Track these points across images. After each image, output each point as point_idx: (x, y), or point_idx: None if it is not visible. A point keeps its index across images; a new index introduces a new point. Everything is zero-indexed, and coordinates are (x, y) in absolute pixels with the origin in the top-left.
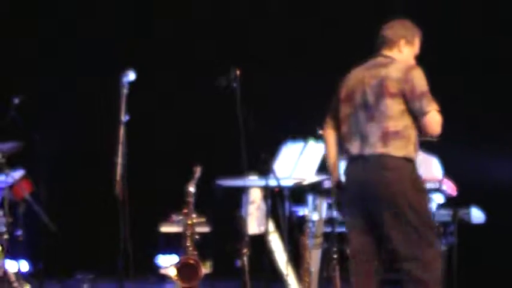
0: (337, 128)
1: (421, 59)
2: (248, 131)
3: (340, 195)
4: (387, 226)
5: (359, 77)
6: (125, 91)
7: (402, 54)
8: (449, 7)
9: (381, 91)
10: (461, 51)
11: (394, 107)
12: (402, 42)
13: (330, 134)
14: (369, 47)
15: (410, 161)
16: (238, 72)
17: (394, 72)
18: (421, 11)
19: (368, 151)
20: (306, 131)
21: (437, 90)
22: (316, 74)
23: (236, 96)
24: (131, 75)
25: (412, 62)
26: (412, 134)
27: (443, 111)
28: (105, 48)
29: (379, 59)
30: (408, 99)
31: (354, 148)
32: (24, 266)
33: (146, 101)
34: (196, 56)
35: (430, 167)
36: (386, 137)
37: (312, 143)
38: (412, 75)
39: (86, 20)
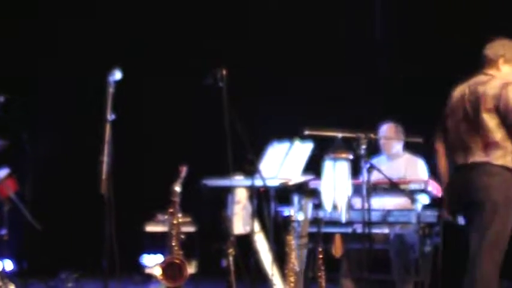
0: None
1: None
2: (234, 130)
3: (450, 202)
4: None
5: (461, 93)
6: (111, 90)
7: (501, 72)
8: None
9: (479, 107)
10: None
11: (490, 120)
12: (501, 61)
13: (440, 146)
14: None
15: (508, 170)
16: (224, 72)
17: (491, 89)
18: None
19: (471, 160)
20: (292, 131)
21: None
22: (303, 75)
23: (223, 95)
24: (117, 75)
25: (510, 78)
26: (509, 145)
27: (432, 112)
28: (92, 48)
29: (480, 77)
30: (502, 114)
31: (459, 158)
32: (8, 265)
33: (132, 100)
34: (184, 56)
35: (415, 168)
36: (486, 147)
37: (298, 144)
38: (506, 91)
39: (76, 20)
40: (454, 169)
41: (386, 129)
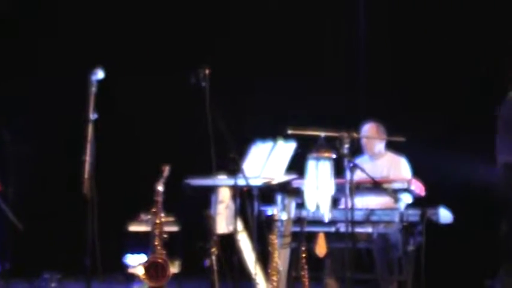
0: None
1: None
2: (217, 130)
3: None
4: None
5: None
6: (94, 89)
7: None
8: None
9: None
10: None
11: None
12: None
13: None
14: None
15: None
16: (207, 71)
17: None
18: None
19: None
20: (276, 130)
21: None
22: (285, 75)
23: (205, 95)
24: (100, 74)
25: None
26: None
27: (414, 111)
28: (75, 47)
29: None
30: None
31: None
32: None
33: (115, 99)
34: (166, 55)
35: (398, 167)
36: None
37: (281, 143)
38: None
39: (57, 20)
40: None
41: (368, 129)
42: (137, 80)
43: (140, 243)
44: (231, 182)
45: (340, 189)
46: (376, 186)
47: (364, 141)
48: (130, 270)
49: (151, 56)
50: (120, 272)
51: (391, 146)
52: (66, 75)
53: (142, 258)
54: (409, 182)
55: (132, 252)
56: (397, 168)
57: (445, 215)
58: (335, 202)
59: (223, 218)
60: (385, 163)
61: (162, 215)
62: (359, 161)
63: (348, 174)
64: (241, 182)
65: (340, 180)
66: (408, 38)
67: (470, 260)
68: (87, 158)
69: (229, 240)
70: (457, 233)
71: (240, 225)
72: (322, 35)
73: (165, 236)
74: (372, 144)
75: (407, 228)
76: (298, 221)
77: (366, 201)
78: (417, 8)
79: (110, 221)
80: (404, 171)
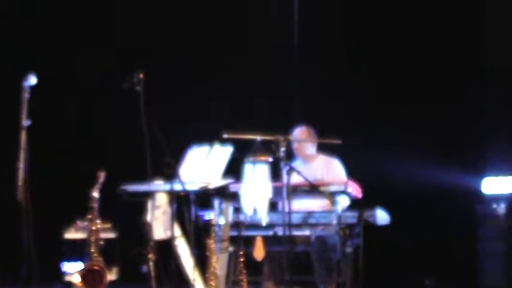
0: None
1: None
2: (153, 135)
3: None
4: None
5: None
6: (26, 95)
7: None
8: None
9: None
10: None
11: None
12: None
13: None
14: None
15: None
16: (141, 76)
17: None
18: None
19: None
20: (212, 134)
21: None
22: (222, 79)
23: (140, 99)
24: (32, 79)
25: None
26: None
27: (349, 113)
28: (6, 52)
29: None
30: None
31: None
32: None
33: (49, 105)
34: (100, 59)
35: (332, 169)
36: None
37: (217, 147)
38: None
39: None
40: None
41: (299, 133)
42: (71, 85)
43: (77, 250)
44: (168, 187)
45: (277, 192)
46: (313, 189)
47: (295, 145)
48: (67, 278)
49: (85, 60)
50: (56, 280)
51: (327, 149)
52: None
53: (79, 265)
54: (346, 184)
55: (69, 260)
56: (330, 169)
57: (382, 216)
58: (273, 206)
59: (160, 224)
60: (319, 165)
61: (98, 221)
62: (293, 165)
63: (284, 177)
64: (177, 187)
65: (277, 184)
66: (342, 39)
67: (409, 260)
68: (21, 165)
69: (166, 245)
70: (395, 233)
71: (177, 231)
72: (256, 38)
73: (101, 242)
74: (303, 147)
75: (345, 230)
76: (236, 225)
77: (304, 204)
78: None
79: (46, 229)
80: (338, 172)
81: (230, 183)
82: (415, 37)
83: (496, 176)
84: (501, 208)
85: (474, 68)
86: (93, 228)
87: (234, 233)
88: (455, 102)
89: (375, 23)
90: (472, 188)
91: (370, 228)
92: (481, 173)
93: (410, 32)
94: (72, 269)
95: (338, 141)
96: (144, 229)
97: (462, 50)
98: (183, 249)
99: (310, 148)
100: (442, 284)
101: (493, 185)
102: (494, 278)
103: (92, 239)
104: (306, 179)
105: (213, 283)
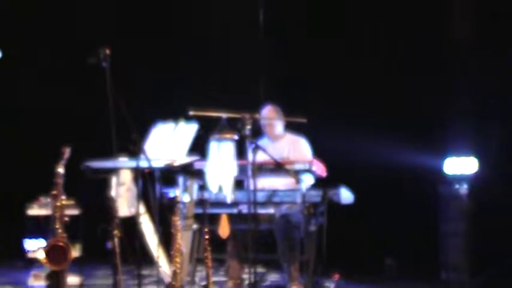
0: None
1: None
2: (118, 111)
3: None
4: None
5: None
6: None
7: None
8: None
9: None
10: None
11: None
12: None
13: None
14: None
15: None
16: (108, 51)
17: None
18: None
19: None
20: (177, 111)
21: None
22: (190, 55)
23: (106, 75)
24: None
25: None
26: None
27: (313, 91)
28: None
29: None
30: None
31: None
32: None
33: (15, 79)
34: (68, 34)
35: (299, 148)
36: None
37: (182, 124)
38: None
39: None
40: None
41: (268, 112)
42: (37, 59)
43: (40, 227)
44: (133, 164)
45: (242, 170)
46: (278, 167)
47: (264, 123)
48: (30, 255)
49: (52, 34)
50: (19, 257)
51: (293, 128)
52: None
53: (42, 242)
54: (310, 163)
55: (31, 237)
56: (297, 148)
57: (346, 195)
58: (238, 184)
59: (125, 201)
60: (285, 144)
61: (63, 197)
62: (259, 143)
63: (250, 155)
64: (142, 164)
65: (243, 162)
66: (307, 19)
67: (371, 239)
68: None
69: (131, 222)
70: (358, 213)
71: (142, 208)
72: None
73: (65, 219)
74: (272, 126)
75: (309, 209)
76: (201, 202)
77: (269, 183)
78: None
79: (8, 205)
80: (304, 151)
81: (195, 161)
82: (383, 17)
83: (458, 156)
84: (463, 188)
85: (436, 47)
86: (58, 204)
87: (199, 211)
88: (418, 83)
89: None
90: (434, 168)
91: (334, 206)
92: (444, 153)
93: (376, 9)
94: (35, 246)
95: (303, 120)
96: (108, 206)
97: (426, 27)
98: (148, 226)
99: (279, 127)
100: (404, 263)
101: (455, 165)
102: (455, 257)
103: (57, 215)
104: (272, 157)
105: (177, 260)
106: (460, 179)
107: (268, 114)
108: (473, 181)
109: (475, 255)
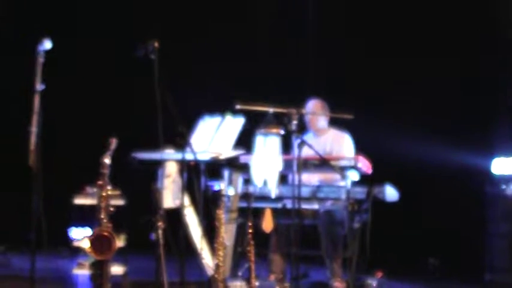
0: None
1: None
2: (165, 103)
3: None
4: None
5: None
6: (41, 60)
7: None
8: None
9: None
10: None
11: None
12: None
13: None
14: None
15: None
16: (156, 44)
17: None
18: None
19: None
20: (224, 105)
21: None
22: (234, 51)
23: (154, 68)
24: (47, 44)
25: None
26: None
27: (361, 89)
28: (22, 17)
29: None
30: None
31: None
32: None
33: (63, 70)
34: (115, 26)
35: (341, 143)
36: None
37: (229, 118)
38: None
39: None
40: None
41: (312, 106)
42: (86, 51)
43: (85, 216)
44: (179, 156)
45: (287, 165)
46: (323, 163)
47: (308, 117)
48: (75, 244)
49: (101, 27)
50: (64, 245)
51: (335, 123)
52: (12, 45)
53: (88, 231)
54: (356, 159)
55: (77, 226)
56: (339, 144)
57: (391, 193)
58: (283, 178)
59: (170, 193)
60: (328, 139)
61: (109, 188)
62: (304, 138)
63: (295, 150)
64: (188, 156)
65: (288, 157)
66: (361, 15)
67: (415, 238)
68: (34, 129)
69: (175, 214)
70: (403, 211)
71: (186, 200)
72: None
73: (111, 209)
74: (316, 120)
75: (353, 206)
76: (245, 196)
77: (313, 178)
78: None
79: (56, 194)
80: (346, 147)
81: (241, 155)
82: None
83: (506, 156)
84: (510, 189)
85: (487, 46)
86: (103, 194)
87: (243, 204)
88: (466, 82)
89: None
90: (481, 168)
91: (379, 204)
92: (491, 153)
93: (423, 12)
94: (80, 235)
95: (350, 116)
96: (153, 197)
97: (476, 25)
98: (192, 219)
99: (323, 121)
100: (448, 263)
101: (502, 165)
102: (500, 259)
103: (102, 205)
104: (317, 153)
105: (220, 253)
106: (507, 179)
107: (313, 107)
108: None
109: None
